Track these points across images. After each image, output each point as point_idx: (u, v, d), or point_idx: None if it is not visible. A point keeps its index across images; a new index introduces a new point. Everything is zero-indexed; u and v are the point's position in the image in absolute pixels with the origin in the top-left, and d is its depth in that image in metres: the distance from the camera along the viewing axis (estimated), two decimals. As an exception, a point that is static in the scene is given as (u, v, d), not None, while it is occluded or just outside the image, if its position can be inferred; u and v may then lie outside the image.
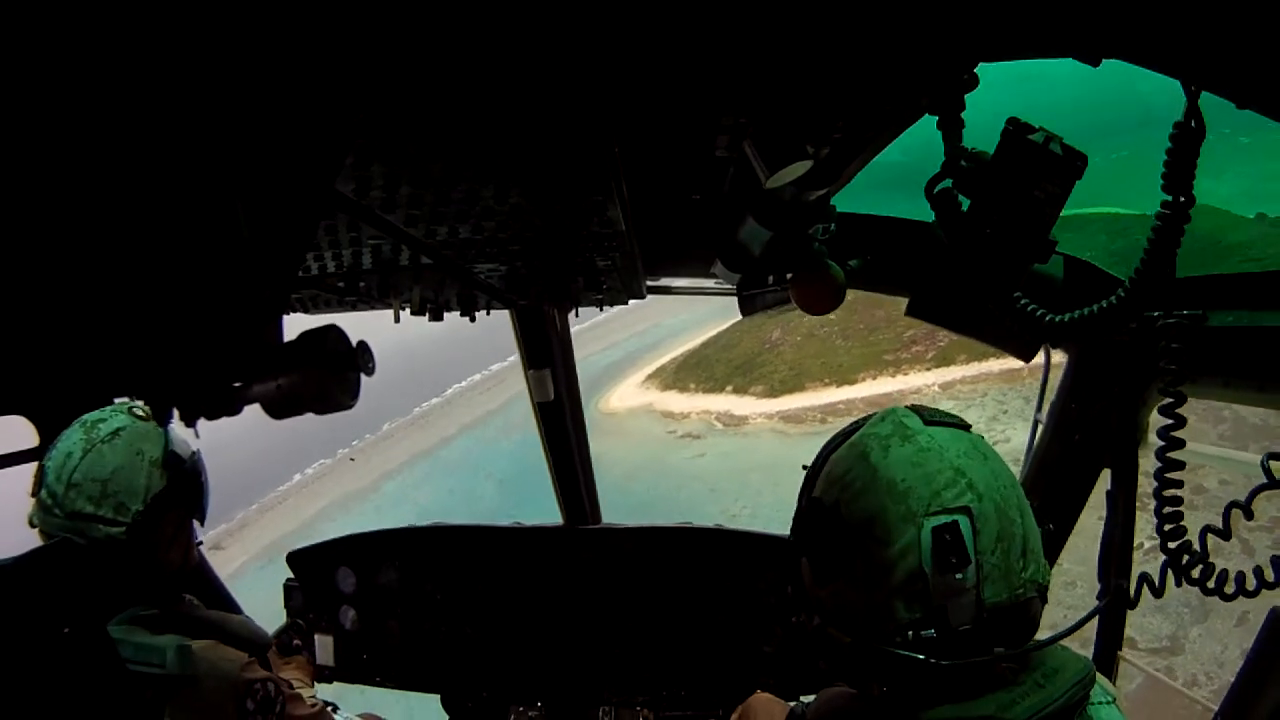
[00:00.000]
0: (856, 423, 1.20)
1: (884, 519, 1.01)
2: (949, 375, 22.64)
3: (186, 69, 0.73)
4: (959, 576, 0.98)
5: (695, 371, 31.84)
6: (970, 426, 1.13)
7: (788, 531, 1.23)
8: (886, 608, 1.01)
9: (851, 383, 25.57)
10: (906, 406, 1.16)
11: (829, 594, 1.09)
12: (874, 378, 25.28)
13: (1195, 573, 1.05)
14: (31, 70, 0.66)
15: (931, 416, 1.12)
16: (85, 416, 1.72)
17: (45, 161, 0.79)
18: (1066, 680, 1.02)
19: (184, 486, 1.77)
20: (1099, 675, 1.09)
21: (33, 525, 1.66)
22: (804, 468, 1.24)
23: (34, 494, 1.66)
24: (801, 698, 1.57)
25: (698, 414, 28.67)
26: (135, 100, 0.75)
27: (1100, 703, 1.06)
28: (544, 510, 3.34)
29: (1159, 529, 1.09)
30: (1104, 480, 2.02)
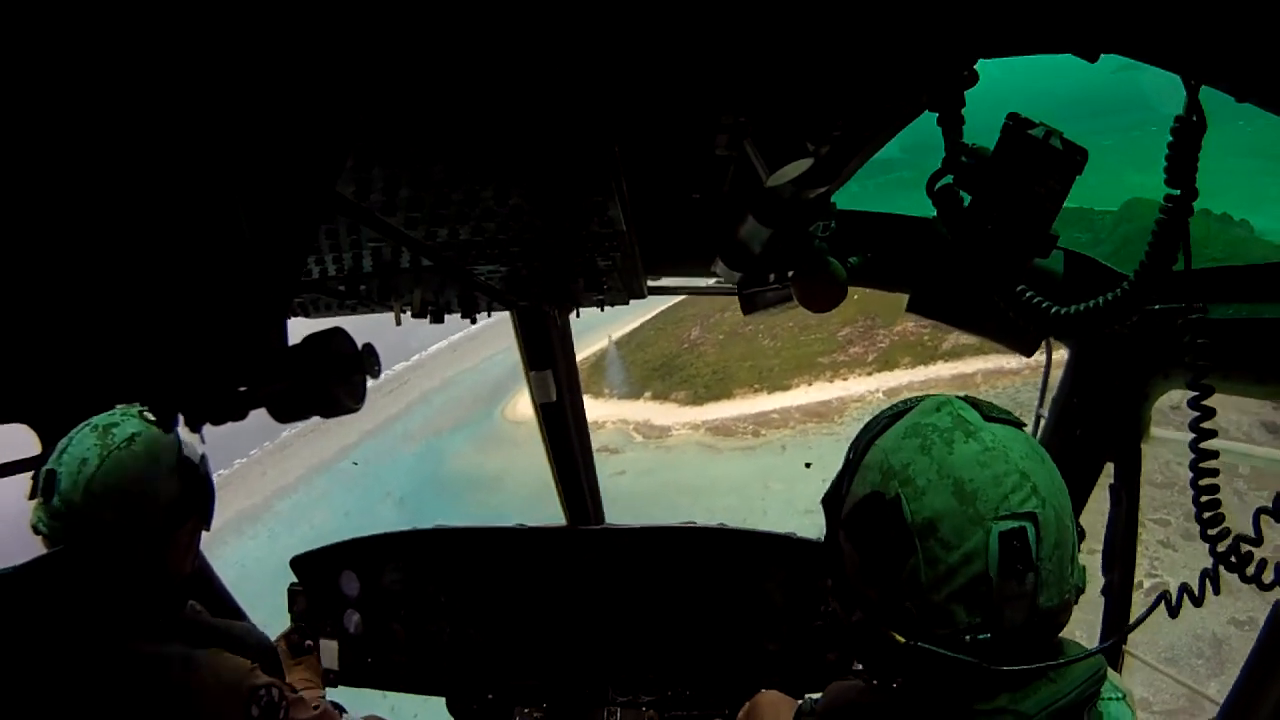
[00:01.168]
0: (901, 407, 1.16)
1: (951, 520, 0.98)
2: (894, 380, 20.87)
3: (188, 75, 0.73)
4: (1022, 583, 0.97)
5: (609, 374, 28.85)
6: (1025, 425, 1.11)
7: (784, 531, 1.22)
8: (945, 611, 0.98)
9: (785, 389, 23.57)
10: (960, 397, 1.13)
11: (880, 592, 1.05)
12: (809, 384, 23.47)
13: (1234, 559, 1.05)
14: (35, 75, 0.66)
15: (990, 411, 1.09)
16: (94, 420, 1.68)
17: (48, 168, 0.79)
18: (1078, 675, 1.02)
19: (198, 492, 1.76)
20: (1110, 671, 1.09)
21: (37, 532, 1.64)
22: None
23: (41, 499, 1.62)
24: (808, 695, 1.57)
25: (614, 423, 25.69)
26: (136, 106, 0.75)
27: (1111, 699, 1.06)
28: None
29: (1198, 518, 1.09)
30: (1106, 475, 2.02)
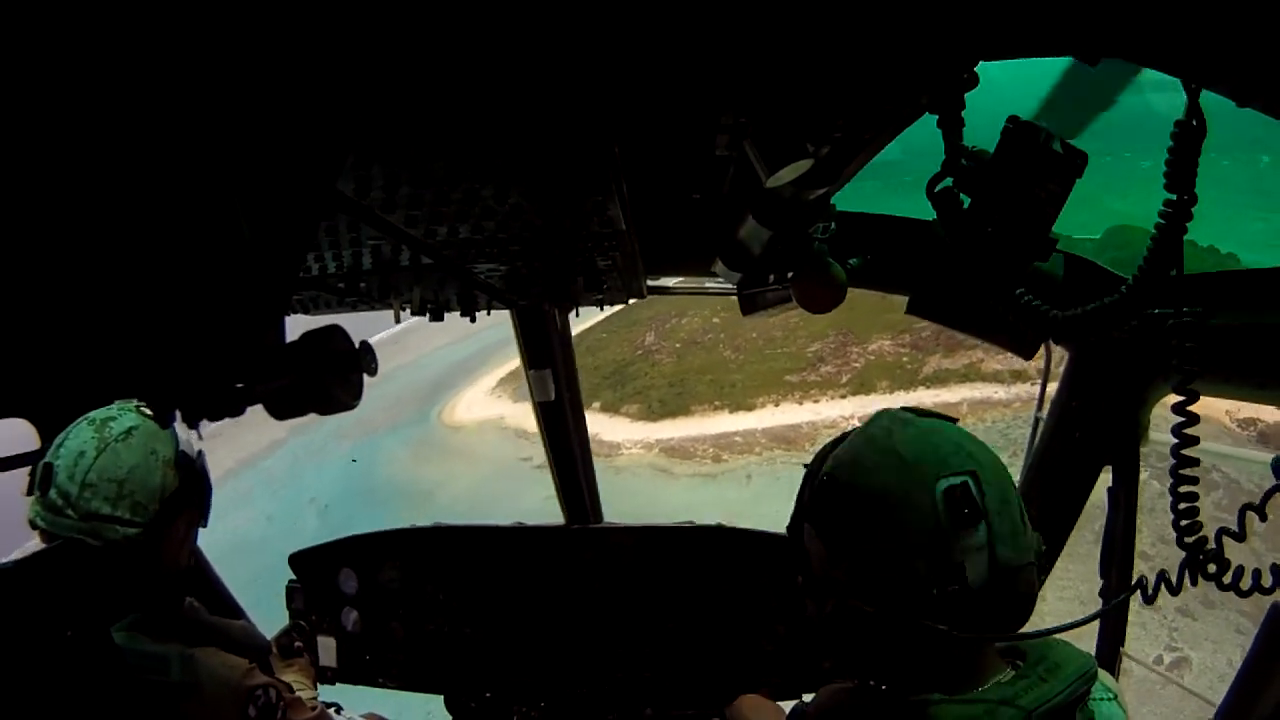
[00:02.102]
0: (847, 431, 1.25)
1: (900, 487, 1.06)
2: (870, 405, 17.88)
3: (187, 71, 0.73)
4: (975, 531, 1.03)
5: None
6: (956, 420, 1.20)
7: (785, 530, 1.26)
8: (908, 569, 1.04)
9: (749, 408, 21.32)
10: (899, 409, 1.21)
11: (845, 570, 1.11)
12: (776, 404, 21.08)
13: (1211, 568, 1.06)
14: (34, 72, 0.66)
15: (925, 412, 1.19)
16: (91, 414, 1.69)
17: (47, 164, 0.79)
18: (1068, 675, 1.03)
19: (195, 486, 1.76)
20: (1101, 672, 1.10)
21: (34, 527, 1.64)
22: (804, 466, 1.25)
23: (39, 494, 1.63)
24: (804, 696, 1.57)
25: None
26: (136, 102, 0.75)
27: (1101, 699, 1.07)
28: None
29: (1175, 524, 1.10)
30: (1104, 478, 2.02)
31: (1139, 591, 1.15)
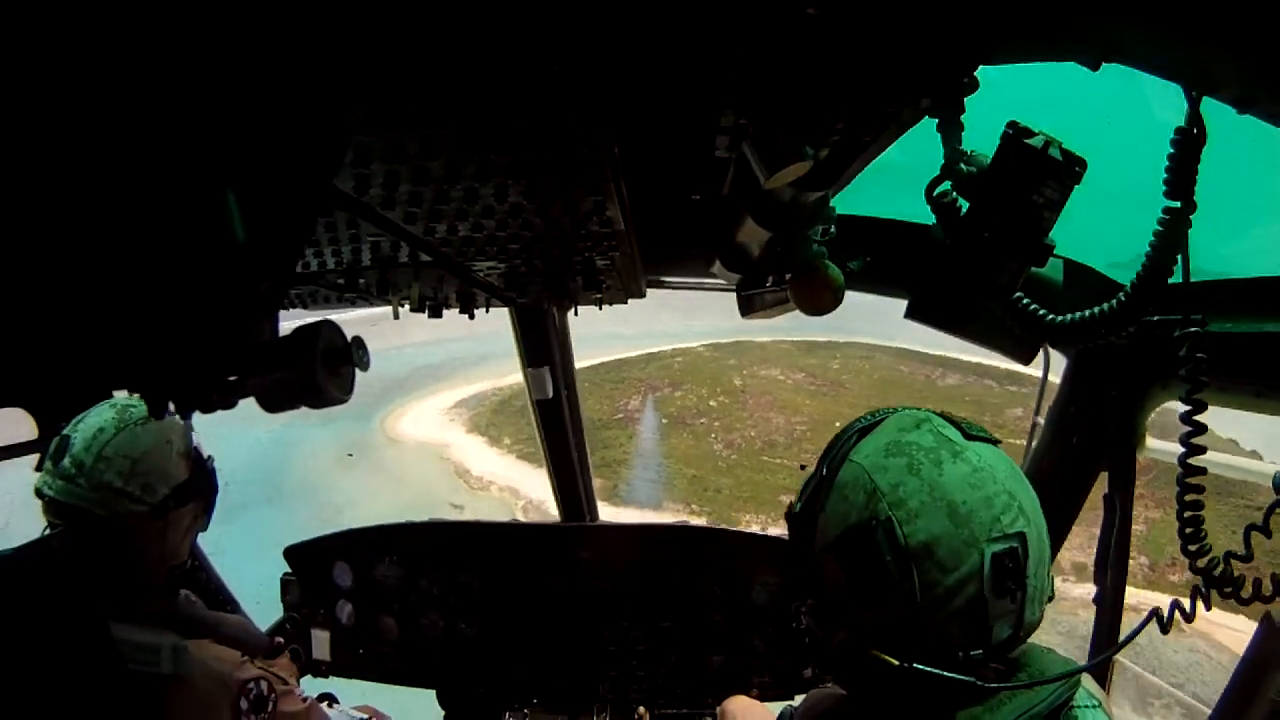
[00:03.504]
0: (869, 420, 1.14)
1: (948, 543, 0.98)
2: None
3: (183, 63, 0.73)
4: (1014, 601, 0.99)
5: (517, 420, 21.68)
6: (999, 442, 1.13)
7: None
8: (941, 632, 0.99)
9: (730, 523, 17.68)
10: (938, 414, 1.13)
11: (873, 615, 1.03)
12: (763, 527, 16.75)
13: (1215, 575, 1.05)
14: (27, 65, 0.66)
15: (969, 429, 1.10)
16: (114, 399, 1.74)
17: (41, 156, 0.79)
18: (1051, 682, 1.03)
19: (203, 482, 1.82)
20: (1086, 678, 1.09)
21: (41, 496, 1.66)
22: (801, 468, 1.23)
23: (50, 463, 1.65)
24: (796, 697, 1.57)
25: (500, 488, 20.01)
26: (132, 94, 0.75)
27: (1086, 706, 1.06)
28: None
29: (1181, 532, 1.08)
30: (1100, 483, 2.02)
31: (1155, 621, 1.11)
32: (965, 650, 0.99)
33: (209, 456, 1.87)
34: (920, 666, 0.99)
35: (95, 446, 1.64)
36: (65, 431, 1.67)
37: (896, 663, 1.00)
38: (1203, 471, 1.10)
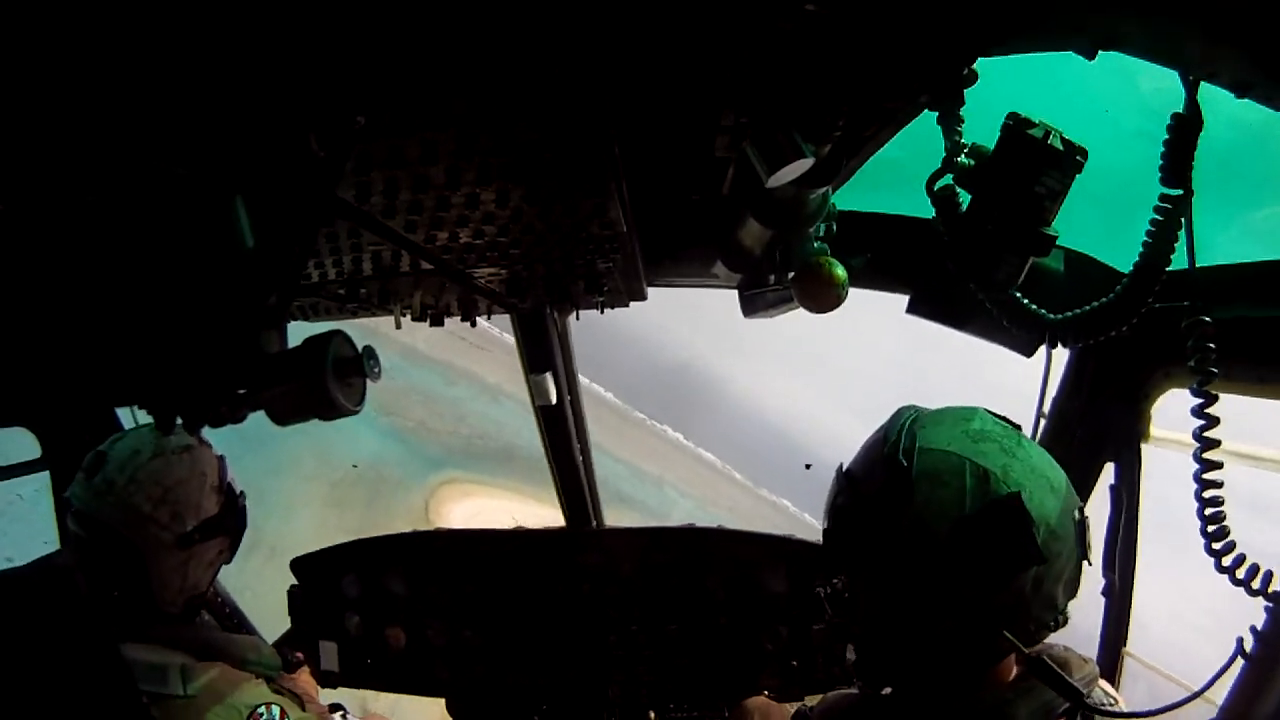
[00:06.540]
0: (910, 415, 1.08)
1: (1057, 515, 1.01)
2: None
3: (189, 77, 0.73)
4: (1087, 563, 1.07)
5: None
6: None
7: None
8: (1053, 601, 1.03)
9: None
10: (970, 408, 1.12)
11: (1000, 596, 1.00)
12: None
13: (1240, 573, 1.03)
14: (35, 79, 0.66)
15: (999, 420, 1.10)
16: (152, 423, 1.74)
17: (48, 173, 0.79)
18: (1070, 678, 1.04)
19: (233, 519, 1.80)
20: (1099, 679, 1.10)
21: (68, 508, 1.65)
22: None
23: (83, 476, 1.64)
24: (806, 699, 1.57)
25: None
26: (137, 109, 0.75)
27: (1102, 704, 1.07)
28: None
29: (1202, 530, 1.06)
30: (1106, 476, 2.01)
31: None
32: (1059, 614, 1.04)
33: (241, 492, 1.85)
34: (1047, 660, 1.04)
35: (129, 468, 1.63)
36: (102, 448, 1.68)
37: (1027, 652, 1.02)
38: (1219, 465, 1.07)
